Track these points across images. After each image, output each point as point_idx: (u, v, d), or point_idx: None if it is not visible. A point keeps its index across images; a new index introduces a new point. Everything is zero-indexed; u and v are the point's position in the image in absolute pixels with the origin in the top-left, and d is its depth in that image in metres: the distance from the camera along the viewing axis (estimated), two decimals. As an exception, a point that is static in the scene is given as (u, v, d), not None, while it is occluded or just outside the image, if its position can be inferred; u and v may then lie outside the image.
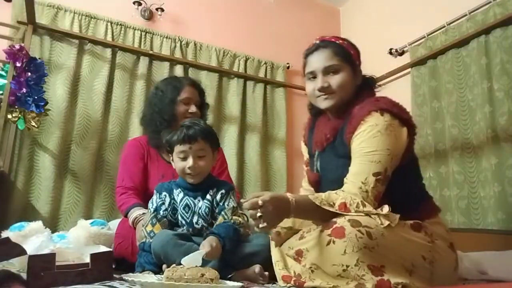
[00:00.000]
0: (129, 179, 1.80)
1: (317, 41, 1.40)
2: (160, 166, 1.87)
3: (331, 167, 1.35)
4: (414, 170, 1.38)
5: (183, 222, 1.43)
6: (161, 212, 1.43)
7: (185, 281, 0.95)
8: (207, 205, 1.43)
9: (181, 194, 1.46)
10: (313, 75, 1.38)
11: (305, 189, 1.57)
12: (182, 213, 1.44)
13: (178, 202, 1.45)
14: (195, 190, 1.46)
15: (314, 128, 1.50)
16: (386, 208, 1.14)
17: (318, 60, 1.36)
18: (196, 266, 1.04)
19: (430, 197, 1.38)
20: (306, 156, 1.58)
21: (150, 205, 1.47)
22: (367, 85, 1.41)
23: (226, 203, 1.43)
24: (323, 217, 1.16)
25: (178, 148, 1.43)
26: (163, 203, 1.45)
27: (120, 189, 1.80)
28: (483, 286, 1.38)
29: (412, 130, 1.29)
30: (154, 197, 1.48)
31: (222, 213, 1.41)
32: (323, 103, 1.36)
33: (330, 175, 1.36)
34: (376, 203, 1.19)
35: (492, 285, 1.38)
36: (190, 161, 1.41)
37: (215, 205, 1.44)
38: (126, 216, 1.71)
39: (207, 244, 1.22)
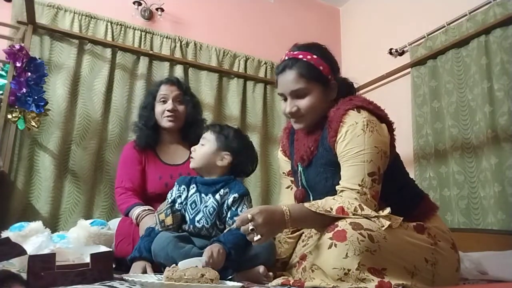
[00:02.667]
0: (128, 181, 1.82)
1: (286, 58, 1.33)
2: (158, 168, 1.88)
3: (320, 179, 1.31)
4: (401, 168, 1.36)
5: (187, 218, 1.43)
6: (177, 205, 1.45)
7: (185, 281, 0.95)
8: (213, 205, 1.40)
9: (193, 190, 1.46)
10: (283, 97, 1.34)
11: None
12: (188, 209, 1.44)
13: (188, 198, 1.45)
14: (209, 185, 1.44)
15: (294, 141, 1.45)
16: (387, 210, 1.14)
17: (285, 83, 1.30)
18: (196, 266, 1.04)
19: (425, 195, 1.37)
20: (287, 168, 1.53)
21: (169, 195, 1.49)
22: (349, 93, 1.36)
23: (239, 209, 1.39)
24: (321, 223, 1.15)
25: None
26: (180, 196, 1.46)
27: (119, 189, 1.82)
28: (483, 286, 1.38)
29: (391, 127, 1.28)
30: (174, 188, 1.49)
31: (235, 218, 1.37)
32: (295, 125, 1.36)
33: (320, 188, 1.32)
34: (376, 203, 1.18)
35: (492, 285, 1.38)
36: None
37: (225, 208, 1.41)
38: (126, 215, 1.72)
39: (209, 252, 1.20)
